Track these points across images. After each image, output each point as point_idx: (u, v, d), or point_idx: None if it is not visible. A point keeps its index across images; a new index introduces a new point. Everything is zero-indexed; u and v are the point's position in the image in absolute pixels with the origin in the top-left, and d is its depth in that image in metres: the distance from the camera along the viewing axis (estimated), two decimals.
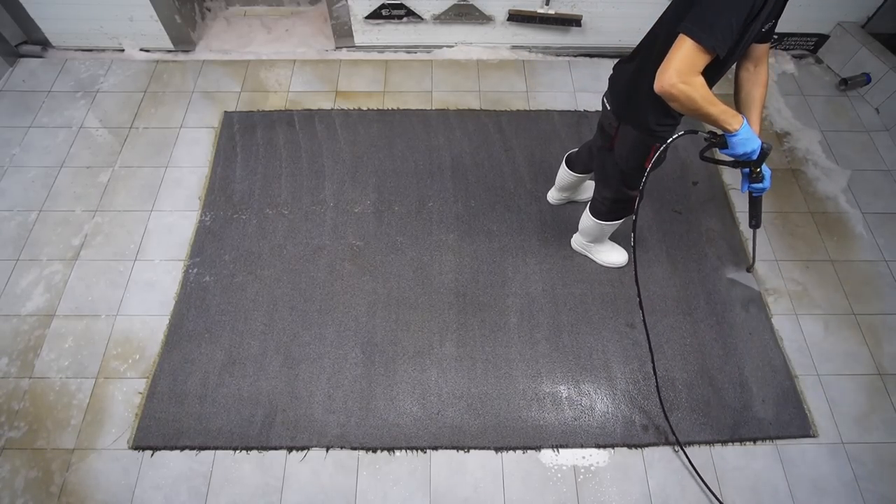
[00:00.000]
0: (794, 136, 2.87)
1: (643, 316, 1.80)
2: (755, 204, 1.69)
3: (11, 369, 2.12)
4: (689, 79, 1.29)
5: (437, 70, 3.12)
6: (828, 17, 3.06)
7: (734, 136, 1.43)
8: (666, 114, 1.55)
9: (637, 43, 1.64)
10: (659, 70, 1.32)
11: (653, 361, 1.93)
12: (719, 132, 1.47)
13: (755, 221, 1.70)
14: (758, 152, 1.46)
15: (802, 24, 3.08)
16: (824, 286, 2.38)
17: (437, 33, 3.13)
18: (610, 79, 1.75)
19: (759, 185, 1.59)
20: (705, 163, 1.71)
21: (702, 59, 1.28)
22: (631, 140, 1.69)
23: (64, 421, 2.02)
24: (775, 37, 3.13)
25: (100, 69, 3.06)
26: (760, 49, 1.60)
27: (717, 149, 1.51)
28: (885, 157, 2.79)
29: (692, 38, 1.26)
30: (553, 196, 2.55)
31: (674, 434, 1.97)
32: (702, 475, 1.93)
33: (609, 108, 1.74)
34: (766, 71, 1.61)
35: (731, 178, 2.70)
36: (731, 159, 1.53)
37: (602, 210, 2.07)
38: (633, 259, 1.74)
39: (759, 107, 1.58)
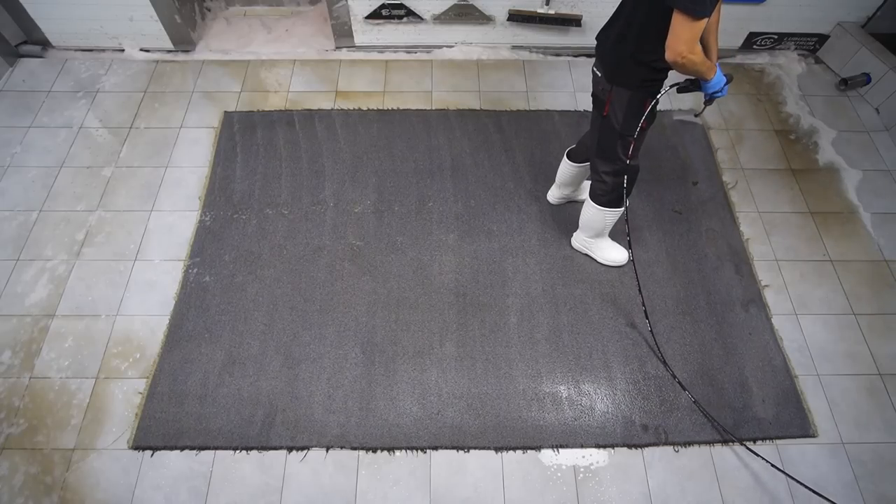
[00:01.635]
0: (794, 135, 2.87)
1: (641, 295, 1.84)
2: (709, 101, 1.88)
3: (12, 369, 2.12)
4: (695, 48, 1.53)
5: (437, 70, 3.12)
6: (828, 17, 3.06)
7: (709, 82, 1.70)
8: (653, 70, 1.70)
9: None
10: (668, 44, 1.52)
11: (659, 353, 1.93)
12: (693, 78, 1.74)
13: (708, 105, 1.90)
14: (723, 87, 1.73)
15: (802, 24, 3.08)
16: (824, 286, 2.38)
17: (437, 33, 3.13)
18: (596, 48, 1.85)
19: (719, 94, 1.78)
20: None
21: (700, 28, 1.49)
22: (625, 100, 1.79)
23: (64, 420, 2.02)
24: (774, 36, 3.13)
25: (100, 69, 3.06)
26: None
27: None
28: (885, 157, 2.79)
29: (688, 13, 1.44)
30: (553, 195, 2.56)
31: (728, 431, 1.97)
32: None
33: (600, 74, 1.84)
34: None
35: (730, 177, 2.70)
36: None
37: (603, 190, 2.08)
38: (629, 238, 1.78)
39: (715, 32, 1.76)
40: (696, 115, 2.25)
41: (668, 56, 1.54)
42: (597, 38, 1.85)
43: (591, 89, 1.99)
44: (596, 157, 2.03)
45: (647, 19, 1.59)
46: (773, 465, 1.92)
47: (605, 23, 1.81)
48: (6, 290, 2.31)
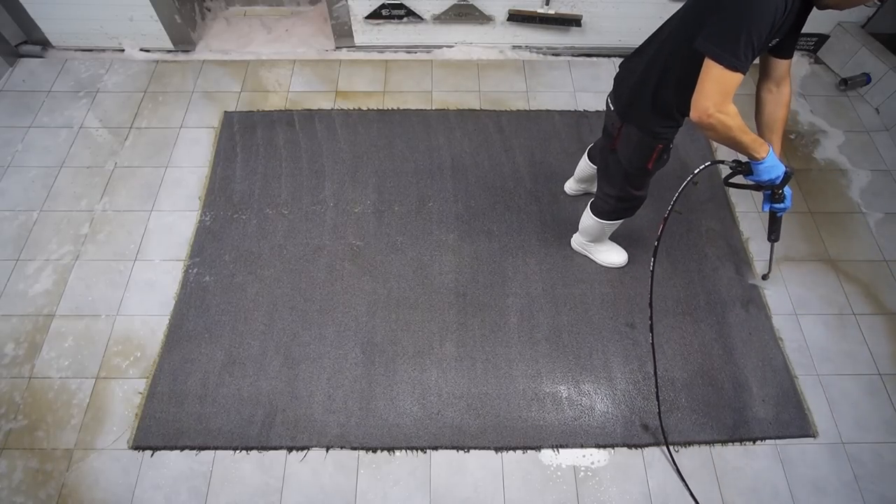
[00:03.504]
0: (794, 135, 2.87)
1: (651, 318, 1.81)
2: (775, 221, 1.72)
3: (15, 361, 2.13)
4: (725, 108, 1.30)
5: (437, 70, 3.12)
6: (828, 17, 3.06)
7: (761, 163, 1.45)
8: (668, 116, 1.57)
9: (637, 42, 1.65)
10: (694, 99, 1.32)
11: (654, 364, 1.93)
12: (744, 160, 1.50)
13: (774, 237, 1.74)
14: (782, 177, 1.49)
15: None
16: (824, 286, 2.38)
17: (437, 33, 3.13)
18: (615, 78, 1.76)
19: (781, 205, 1.60)
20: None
21: (733, 84, 1.28)
22: (634, 141, 1.69)
23: (64, 420, 2.02)
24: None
25: (100, 69, 3.06)
26: (782, 67, 1.53)
27: (742, 175, 1.53)
28: (886, 156, 2.79)
29: (720, 62, 1.25)
30: (570, 186, 2.56)
31: (664, 437, 1.98)
32: (688, 478, 1.94)
33: (612, 108, 1.75)
34: (789, 90, 1.56)
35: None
36: (755, 183, 1.56)
37: (605, 209, 2.07)
38: (652, 271, 1.75)
39: (781, 128, 1.58)
40: (763, 277, 2.01)
41: (693, 115, 1.32)
42: (619, 67, 1.73)
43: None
44: (602, 178, 2.00)
45: (671, 62, 1.42)
46: None
47: (634, 50, 1.67)
48: (6, 289, 2.31)
